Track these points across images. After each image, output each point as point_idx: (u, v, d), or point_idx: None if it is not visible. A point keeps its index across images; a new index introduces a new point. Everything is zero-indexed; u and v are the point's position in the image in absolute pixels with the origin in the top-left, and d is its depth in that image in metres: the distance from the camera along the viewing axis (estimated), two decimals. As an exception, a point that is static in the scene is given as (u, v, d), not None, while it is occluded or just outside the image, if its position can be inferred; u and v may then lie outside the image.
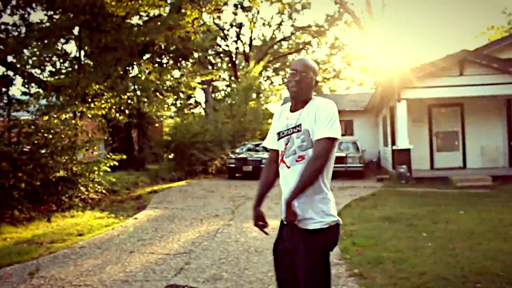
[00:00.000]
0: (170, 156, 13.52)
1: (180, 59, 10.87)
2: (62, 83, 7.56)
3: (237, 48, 28.49)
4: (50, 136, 6.89)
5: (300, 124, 2.03)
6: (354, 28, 26.86)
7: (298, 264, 1.97)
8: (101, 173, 8.05)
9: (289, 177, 2.03)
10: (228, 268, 4.09)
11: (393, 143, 12.71)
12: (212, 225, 6.10)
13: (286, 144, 2.07)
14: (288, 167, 2.04)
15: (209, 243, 5.03)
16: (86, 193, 7.84)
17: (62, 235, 5.51)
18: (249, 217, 6.62)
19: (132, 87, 8.79)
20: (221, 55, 25.32)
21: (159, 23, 8.13)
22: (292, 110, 2.13)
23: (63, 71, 9.00)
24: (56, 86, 7.76)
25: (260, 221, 2.17)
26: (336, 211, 2.04)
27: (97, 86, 7.83)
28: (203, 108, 23.61)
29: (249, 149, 14.70)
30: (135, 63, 9.04)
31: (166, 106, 11.51)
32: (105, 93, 7.88)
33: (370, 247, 4.69)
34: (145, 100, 9.31)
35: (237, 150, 14.56)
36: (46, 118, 6.94)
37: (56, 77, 8.06)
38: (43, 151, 7.07)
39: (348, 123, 17.18)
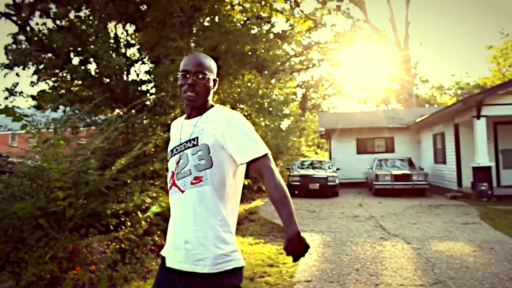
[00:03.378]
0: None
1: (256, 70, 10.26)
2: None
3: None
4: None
5: (197, 138, 1.61)
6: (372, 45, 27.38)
7: None
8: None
9: (183, 205, 1.58)
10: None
11: (458, 160, 12.61)
12: (389, 246, 5.45)
13: (178, 163, 1.63)
14: (182, 191, 1.59)
15: (437, 271, 4.42)
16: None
17: (253, 267, 4.75)
18: (407, 237, 6.05)
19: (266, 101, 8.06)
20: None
21: (271, 30, 7.59)
22: (187, 118, 1.72)
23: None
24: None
25: None
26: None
27: (215, 97, 7.11)
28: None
29: (303, 166, 14.13)
30: (243, 72, 8.35)
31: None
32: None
33: None
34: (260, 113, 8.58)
35: (295, 168, 13.94)
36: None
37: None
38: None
39: (389, 140, 17.04)
